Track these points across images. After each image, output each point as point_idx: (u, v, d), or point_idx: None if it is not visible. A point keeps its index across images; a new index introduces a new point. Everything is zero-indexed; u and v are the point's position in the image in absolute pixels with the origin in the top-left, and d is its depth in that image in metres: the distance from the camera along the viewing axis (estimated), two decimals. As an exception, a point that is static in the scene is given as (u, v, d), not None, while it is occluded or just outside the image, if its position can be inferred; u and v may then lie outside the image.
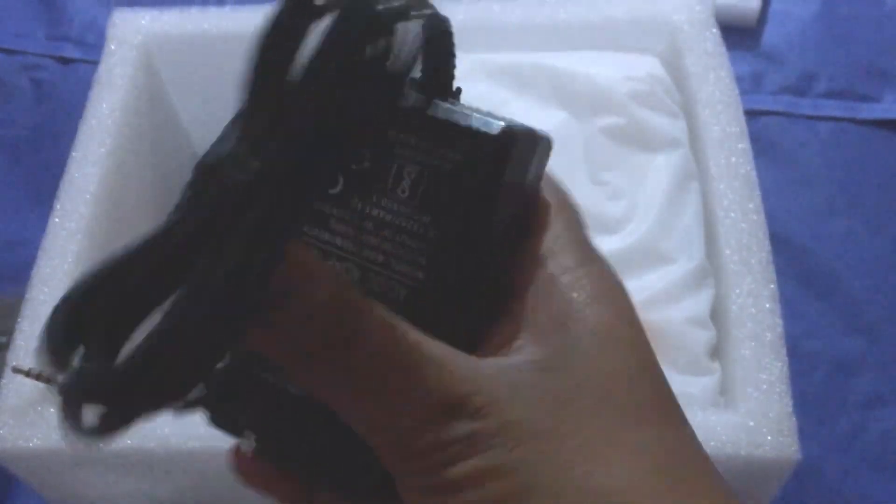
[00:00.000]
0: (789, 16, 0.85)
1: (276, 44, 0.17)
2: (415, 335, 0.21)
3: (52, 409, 0.48)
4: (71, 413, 0.17)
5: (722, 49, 0.61)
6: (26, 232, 0.70)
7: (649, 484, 0.20)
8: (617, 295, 0.23)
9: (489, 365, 0.21)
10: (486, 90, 0.61)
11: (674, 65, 0.62)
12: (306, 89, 0.17)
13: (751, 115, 0.74)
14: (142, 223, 0.61)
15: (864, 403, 0.65)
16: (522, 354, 0.22)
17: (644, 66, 0.62)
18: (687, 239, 0.55)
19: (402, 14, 0.18)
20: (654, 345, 0.23)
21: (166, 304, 0.16)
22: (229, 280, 0.16)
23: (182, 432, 0.46)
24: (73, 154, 0.58)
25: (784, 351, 0.48)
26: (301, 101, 0.17)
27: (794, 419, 0.46)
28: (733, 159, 0.55)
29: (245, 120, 0.17)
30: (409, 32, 0.18)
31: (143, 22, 0.65)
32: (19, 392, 0.49)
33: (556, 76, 0.61)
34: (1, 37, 0.87)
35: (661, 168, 0.58)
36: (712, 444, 0.45)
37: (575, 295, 0.22)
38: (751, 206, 0.53)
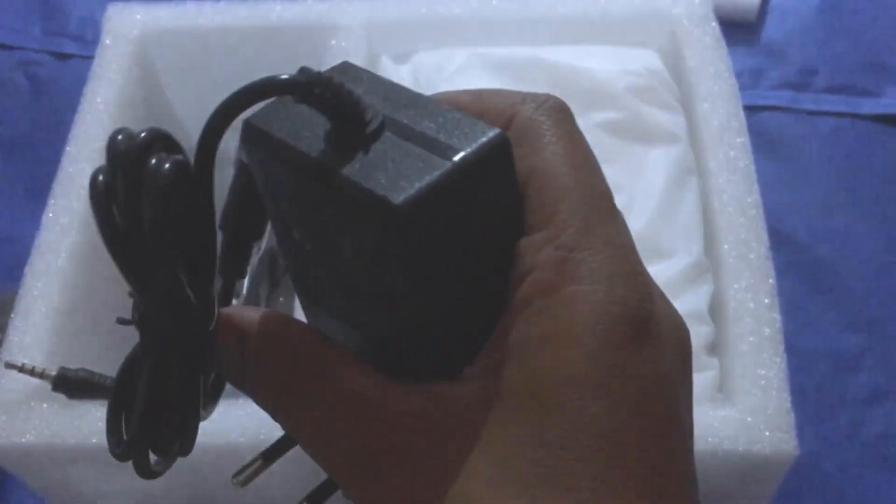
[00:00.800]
0: (789, 10, 0.85)
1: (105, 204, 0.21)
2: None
3: (45, 405, 0.48)
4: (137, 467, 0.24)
5: (721, 43, 0.60)
6: (21, 227, 0.70)
7: None
8: (582, 331, 0.20)
9: (419, 400, 0.21)
10: (483, 84, 0.61)
11: (673, 59, 0.62)
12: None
13: (751, 110, 0.74)
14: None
15: (863, 399, 0.64)
16: (466, 386, 0.21)
17: (643, 61, 0.62)
18: (685, 234, 0.55)
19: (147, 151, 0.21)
20: None
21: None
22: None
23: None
24: (68, 149, 0.58)
25: (782, 347, 0.48)
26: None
27: (793, 415, 0.46)
28: (732, 154, 0.55)
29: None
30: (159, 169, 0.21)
31: (138, 16, 0.65)
32: (12, 388, 0.48)
33: (555, 70, 0.61)
34: (-3, 32, 0.87)
35: (659, 162, 0.58)
36: (710, 440, 0.45)
37: (532, 331, 0.20)
38: (749, 200, 0.53)
